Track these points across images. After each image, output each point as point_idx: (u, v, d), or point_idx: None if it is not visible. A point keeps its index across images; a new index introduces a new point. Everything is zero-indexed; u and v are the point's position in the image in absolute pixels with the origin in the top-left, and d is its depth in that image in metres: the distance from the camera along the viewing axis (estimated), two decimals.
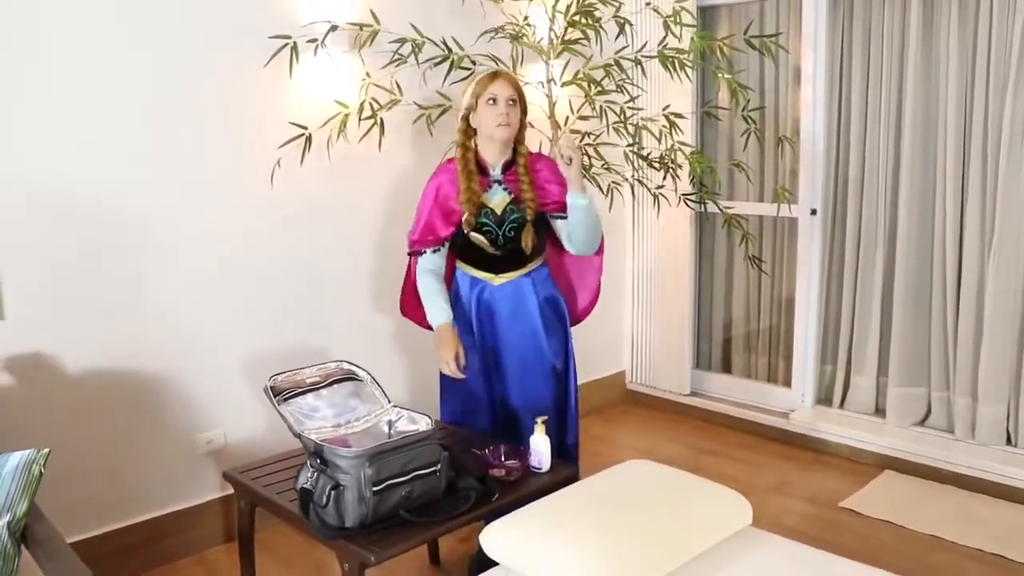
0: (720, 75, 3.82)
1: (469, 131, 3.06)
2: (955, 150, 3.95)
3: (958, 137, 3.94)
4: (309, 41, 3.34)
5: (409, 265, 3.27)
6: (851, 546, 3.39)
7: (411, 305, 3.30)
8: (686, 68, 3.67)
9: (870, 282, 4.34)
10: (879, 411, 4.39)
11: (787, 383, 4.69)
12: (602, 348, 5.06)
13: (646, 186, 4.20)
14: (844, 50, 4.29)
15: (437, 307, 3.12)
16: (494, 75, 3.02)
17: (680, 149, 3.79)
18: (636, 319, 5.10)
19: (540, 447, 2.71)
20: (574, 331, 3.31)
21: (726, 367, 5.08)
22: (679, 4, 3.69)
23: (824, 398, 4.62)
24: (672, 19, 3.65)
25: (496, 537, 2.26)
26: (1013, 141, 3.75)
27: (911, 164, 4.09)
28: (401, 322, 3.48)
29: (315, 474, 2.40)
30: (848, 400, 4.51)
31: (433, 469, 2.45)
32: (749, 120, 4.02)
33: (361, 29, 3.42)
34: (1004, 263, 3.85)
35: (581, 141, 3.88)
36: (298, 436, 2.53)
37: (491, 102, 2.96)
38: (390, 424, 2.69)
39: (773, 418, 4.59)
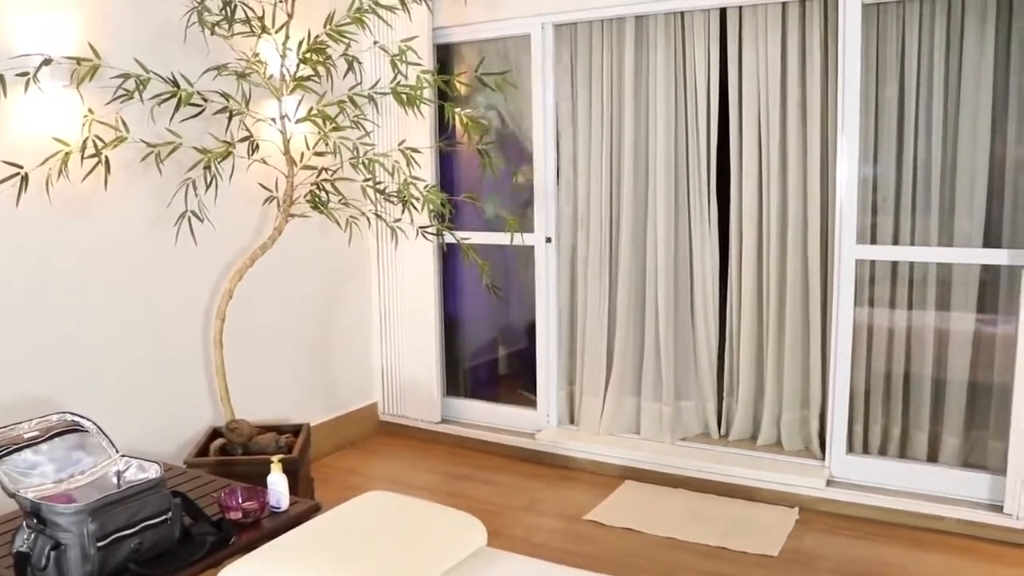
0: (451, 110, 3.95)
1: None
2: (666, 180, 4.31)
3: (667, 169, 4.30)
4: (19, 75, 3.15)
5: None
6: (595, 556, 3.58)
7: None
8: (418, 104, 3.77)
9: (598, 305, 4.61)
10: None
11: (533, 405, 4.88)
12: (353, 380, 5.05)
13: (384, 220, 4.26)
14: (573, 88, 4.56)
15: None
16: None
17: (413, 183, 3.88)
18: (385, 350, 5.14)
19: (278, 486, 2.69)
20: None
21: (475, 393, 5.22)
22: (404, 44, 3.78)
23: (568, 417, 4.85)
24: (398, 58, 3.75)
25: None
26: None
27: (631, 195, 4.41)
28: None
29: (33, 535, 2.27)
30: (583, 418, 4.74)
31: (164, 518, 2.39)
32: (484, 153, 4.19)
33: (79, 63, 3.27)
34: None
35: (318, 177, 3.89)
36: (13, 496, 2.38)
37: None
38: (119, 474, 2.59)
39: (521, 439, 4.76)
